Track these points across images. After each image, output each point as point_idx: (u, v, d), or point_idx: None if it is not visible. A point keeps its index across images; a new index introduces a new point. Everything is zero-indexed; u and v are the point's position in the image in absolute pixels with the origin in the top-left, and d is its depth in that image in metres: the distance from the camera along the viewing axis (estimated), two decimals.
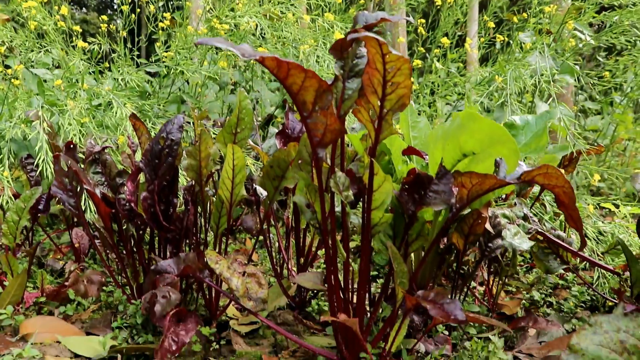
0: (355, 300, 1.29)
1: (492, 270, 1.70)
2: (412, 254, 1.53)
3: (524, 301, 1.78)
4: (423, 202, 1.20)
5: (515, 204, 1.91)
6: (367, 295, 1.41)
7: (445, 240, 1.49)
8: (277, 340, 1.55)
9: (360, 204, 1.31)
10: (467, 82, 3.15)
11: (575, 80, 3.34)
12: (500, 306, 1.72)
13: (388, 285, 1.27)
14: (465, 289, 1.84)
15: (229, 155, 1.48)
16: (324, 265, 2.08)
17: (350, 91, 1.15)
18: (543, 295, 1.81)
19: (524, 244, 1.39)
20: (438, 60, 3.37)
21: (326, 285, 1.27)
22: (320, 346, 1.40)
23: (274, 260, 1.67)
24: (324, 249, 1.31)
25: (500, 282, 1.65)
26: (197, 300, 1.63)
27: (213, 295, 1.63)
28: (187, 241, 1.65)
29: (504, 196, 2.41)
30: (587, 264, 2.13)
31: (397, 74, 1.02)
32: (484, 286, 1.72)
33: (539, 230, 1.52)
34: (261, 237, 1.98)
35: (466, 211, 1.35)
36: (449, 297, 1.10)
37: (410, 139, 1.53)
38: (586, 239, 2.08)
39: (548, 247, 1.68)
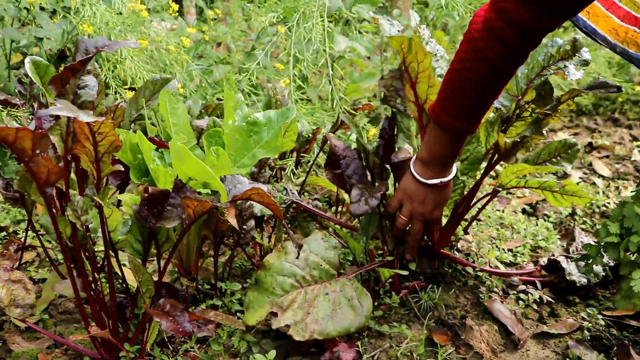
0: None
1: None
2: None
3: None
4: (161, 217, 1.31)
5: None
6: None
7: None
8: (57, 332, 1.63)
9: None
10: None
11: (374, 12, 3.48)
12: None
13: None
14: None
15: None
16: None
17: None
18: None
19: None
20: None
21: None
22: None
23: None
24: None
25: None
26: None
27: None
28: None
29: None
30: None
31: (102, 127, 1.08)
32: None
33: (295, 200, 1.72)
34: None
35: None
36: (181, 308, 1.26)
37: (170, 125, 1.58)
38: None
39: (309, 216, 1.90)
